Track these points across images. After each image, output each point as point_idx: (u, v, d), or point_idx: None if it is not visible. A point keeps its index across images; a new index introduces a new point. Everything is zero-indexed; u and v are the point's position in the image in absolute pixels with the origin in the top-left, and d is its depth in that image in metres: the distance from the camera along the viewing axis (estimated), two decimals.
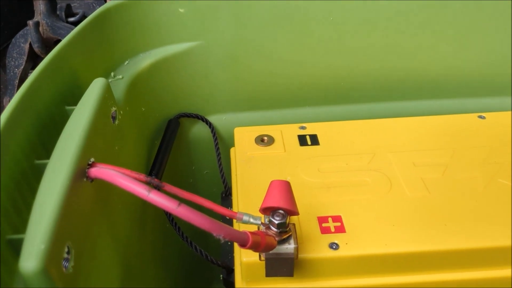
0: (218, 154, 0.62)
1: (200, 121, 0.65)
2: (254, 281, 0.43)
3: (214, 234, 0.31)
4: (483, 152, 0.54)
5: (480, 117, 0.60)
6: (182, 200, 0.48)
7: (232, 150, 0.58)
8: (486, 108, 0.66)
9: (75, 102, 0.43)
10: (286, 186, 0.39)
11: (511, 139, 0.56)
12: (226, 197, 0.61)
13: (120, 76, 0.53)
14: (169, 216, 0.54)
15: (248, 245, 0.34)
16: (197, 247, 0.51)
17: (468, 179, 0.50)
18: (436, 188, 0.49)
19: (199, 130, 0.66)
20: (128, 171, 0.37)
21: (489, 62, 0.65)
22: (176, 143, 0.63)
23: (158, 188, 0.39)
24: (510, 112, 0.61)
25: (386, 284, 0.44)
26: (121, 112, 0.47)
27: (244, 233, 0.34)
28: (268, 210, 0.39)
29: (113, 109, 0.45)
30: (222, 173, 0.61)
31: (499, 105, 0.67)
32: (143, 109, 0.56)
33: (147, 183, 0.39)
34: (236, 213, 0.39)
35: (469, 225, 0.44)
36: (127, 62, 0.56)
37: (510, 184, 0.49)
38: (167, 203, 0.31)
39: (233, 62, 0.62)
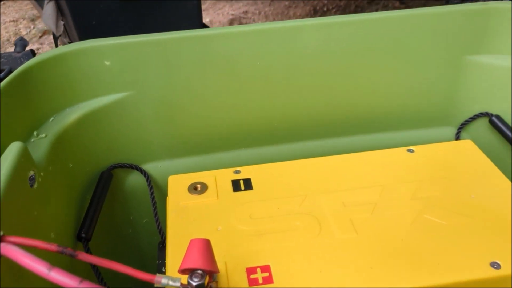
0: (154, 204, 0.62)
1: (135, 171, 0.64)
2: None
3: None
4: (411, 187, 0.56)
5: (409, 150, 0.62)
6: (100, 268, 0.47)
7: (167, 199, 0.58)
8: (416, 140, 0.68)
9: None
10: (205, 245, 0.39)
11: (438, 172, 0.58)
12: (163, 248, 0.60)
13: (44, 135, 0.52)
14: (97, 274, 0.53)
15: None
16: None
17: (395, 217, 0.51)
18: (364, 229, 0.50)
19: (134, 179, 0.65)
20: (39, 242, 0.36)
21: (416, 97, 0.67)
22: (111, 194, 0.62)
23: (72, 256, 0.38)
24: (437, 144, 0.63)
25: None
26: (42, 174, 0.46)
27: None
28: (187, 271, 0.38)
29: (31, 172, 0.44)
30: (158, 223, 0.60)
31: (428, 137, 0.69)
32: (71, 165, 0.55)
33: (60, 253, 0.38)
34: (154, 276, 0.38)
35: (393, 267, 0.45)
36: (52, 118, 0.56)
37: (435, 219, 0.50)
38: (69, 281, 0.30)
39: (165, 109, 0.62)
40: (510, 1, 0.62)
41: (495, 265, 0.45)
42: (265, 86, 0.63)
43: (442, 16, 0.60)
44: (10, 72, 0.63)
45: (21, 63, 0.66)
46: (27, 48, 0.72)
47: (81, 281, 0.30)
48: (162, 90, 0.61)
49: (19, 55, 0.68)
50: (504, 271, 0.44)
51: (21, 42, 0.72)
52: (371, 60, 0.64)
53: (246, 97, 0.63)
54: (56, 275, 0.30)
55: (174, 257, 0.48)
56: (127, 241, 0.67)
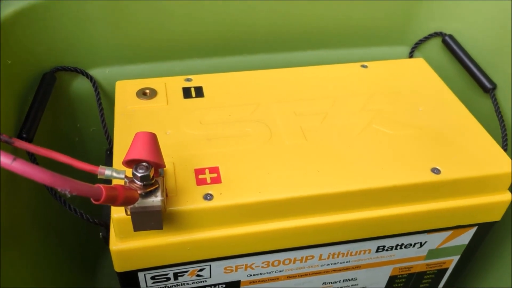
0: (101, 110, 0.59)
1: (81, 75, 0.61)
2: (127, 237, 0.42)
3: (59, 189, 0.30)
4: (362, 100, 0.56)
5: (362, 66, 0.62)
6: (37, 156, 0.45)
7: (115, 103, 0.56)
8: (371, 57, 0.68)
9: None
10: (151, 138, 0.38)
11: (389, 87, 0.58)
12: (111, 154, 0.58)
13: None
14: None
15: (102, 199, 0.32)
16: (71, 206, 0.49)
17: (344, 126, 0.52)
18: (314, 136, 0.50)
19: (80, 84, 0.62)
20: None
21: (372, 14, 0.66)
22: (55, 100, 0.59)
23: (7, 143, 0.36)
24: (391, 60, 0.63)
25: (260, 231, 0.45)
26: None
27: (97, 187, 0.32)
28: (131, 163, 0.37)
29: None
30: (105, 129, 0.59)
31: (382, 54, 0.69)
32: (9, 62, 0.51)
33: None
34: (97, 167, 0.37)
35: (339, 170, 0.46)
36: None
37: (382, 129, 0.51)
38: (1, 158, 0.28)
39: (113, 9, 0.58)
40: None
41: (435, 171, 0.46)
42: None
43: None
44: None
45: None
46: None
47: (14, 159, 0.29)
48: None
49: None
50: (443, 176, 0.46)
51: None
52: None
53: (202, 5, 0.60)
54: None
55: (120, 158, 0.47)
56: (74, 149, 0.65)
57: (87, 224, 0.51)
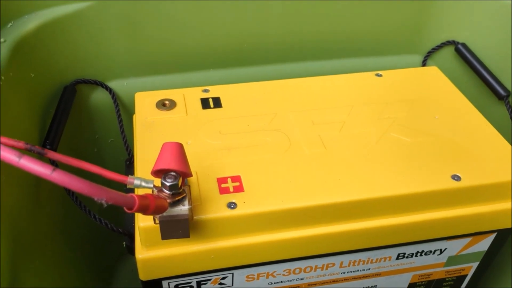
0: (120, 121, 0.60)
1: (100, 87, 0.62)
2: (152, 245, 0.43)
3: (96, 199, 0.30)
4: (378, 108, 0.57)
5: (377, 75, 0.62)
6: (67, 167, 0.46)
7: (134, 116, 0.57)
8: (384, 66, 0.69)
9: None
10: (178, 148, 0.39)
11: (404, 95, 0.59)
12: (130, 165, 0.59)
13: (3, 40, 0.49)
14: None
15: (135, 208, 0.33)
16: (96, 216, 0.50)
17: (362, 134, 0.52)
18: (333, 144, 0.51)
19: (99, 96, 0.63)
20: (5, 138, 0.35)
21: (384, 23, 0.67)
22: (76, 112, 0.60)
23: (40, 155, 0.37)
24: (405, 69, 0.64)
25: (282, 239, 0.45)
26: (3, 78, 0.44)
27: (130, 196, 0.33)
28: (160, 173, 0.38)
29: None
30: (124, 140, 0.59)
31: (395, 63, 0.70)
32: (32, 75, 0.53)
33: (28, 151, 0.36)
34: (127, 177, 0.38)
35: (360, 177, 0.46)
36: (10, 24, 0.52)
37: (400, 137, 0.52)
38: (41, 168, 0.29)
39: (130, 23, 0.59)
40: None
41: (455, 178, 0.47)
42: (236, 7, 0.61)
43: None
44: None
45: None
46: None
47: (53, 169, 0.29)
48: (126, 2, 0.58)
49: None
50: (464, 183, 0.47)
51: None
52: None
53: (217, 16, 0.61)
54: (26, 162, 0.29)
55: (143, 168, 0.48)
56: (92, 160, 0.65)
57: (103, 232, 0.51)
